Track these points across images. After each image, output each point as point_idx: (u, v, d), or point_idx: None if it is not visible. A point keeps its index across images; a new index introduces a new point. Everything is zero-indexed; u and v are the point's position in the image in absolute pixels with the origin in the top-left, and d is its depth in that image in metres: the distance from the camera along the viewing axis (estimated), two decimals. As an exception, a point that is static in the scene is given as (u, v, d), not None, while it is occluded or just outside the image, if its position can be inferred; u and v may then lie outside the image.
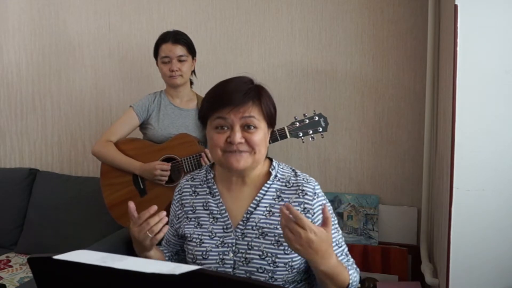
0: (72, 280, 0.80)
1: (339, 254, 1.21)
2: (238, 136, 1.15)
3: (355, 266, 1.24)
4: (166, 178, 1.96)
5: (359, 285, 2.14)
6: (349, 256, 1.25)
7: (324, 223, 1.04)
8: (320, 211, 1.20)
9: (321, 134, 1.85)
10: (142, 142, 2.09)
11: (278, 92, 2.31)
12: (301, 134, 1.83)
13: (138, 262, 0.76)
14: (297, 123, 1.84)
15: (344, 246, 1.24)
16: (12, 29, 2.84)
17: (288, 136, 1.83)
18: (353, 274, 1.17)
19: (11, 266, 2.37)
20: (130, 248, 2.13)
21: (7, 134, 2.91)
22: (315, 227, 1.00)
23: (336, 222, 1.24)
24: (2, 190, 2.64)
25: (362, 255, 2.26)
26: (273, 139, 1.30)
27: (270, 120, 1.23)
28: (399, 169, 2.32)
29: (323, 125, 1.84)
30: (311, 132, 1.83)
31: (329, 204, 1.25)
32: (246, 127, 1.17)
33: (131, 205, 1.13)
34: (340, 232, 1.25)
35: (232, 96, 1.16)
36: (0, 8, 2.84)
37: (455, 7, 1.42)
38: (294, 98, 2.41)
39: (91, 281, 0.79)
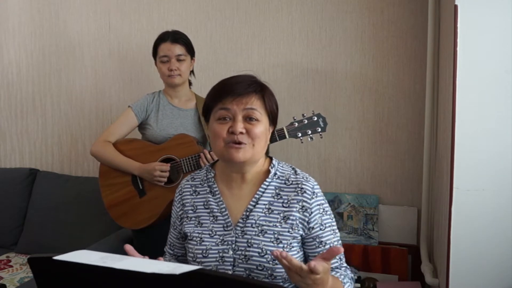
0: (72, 280, 0.80)
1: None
2: (239, 126, 1.16)
3: (348, 271, 1.23)
4: (165, 179, 1.96)
5: (358, 285, 2.15)
6: (343, 260, 1.24)
7: (326, 258, 1.00)
8: (317, 211, 1.20)
9: (320, 135, 1.84)
10: (140, 142, 2.08)
11: (278, 92, 2.28)
12: (299, 135, 1.83)
13: (138, 262, 0.76)
14: (296, 124, 1.83)
15: None
16: (12, 29, 2.84)
17: (287, 136, 1.83)
18: (347, 284, 1.18)
19: (11, 266, 2.37)
20: (130, 248, 2.14)
21: (7, 134, 2.91)
22: (321, 266, 0.97)
23: (334, 223, 1.24)
24: (2, 190, 2.64)
25: (362, 255, 2.26)
26: (272, 139, 1.30)
27: (272, 116, 1.24)
28: (399, 169, 2.32)
29: (322, 126, 1.84)
30: (309, 132, 1.83)
31: (328, 206, 1.25)
32: (248, 119, 1.18)
33: (128, 247, 1.11)
34: (338, 234, 1.25)
35: (235, 86, 1.18)
36: (0, 8, 2.84)
37: (455, 7, 1.43)
38: (294, 98, 2.41)
39: (91, 281, 0.79)
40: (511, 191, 1.42)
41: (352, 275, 1.24)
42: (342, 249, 0.99)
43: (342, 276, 1.18)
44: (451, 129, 1.46)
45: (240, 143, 1.16)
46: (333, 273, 1.19)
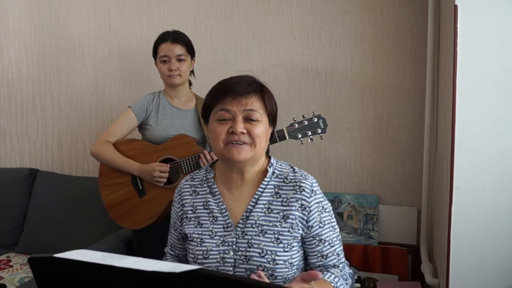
0: (72, 280, 0.80)
1: (330, 254, 1.22)
2: (240, 126, 1.16)
3: (346, 268, 1.24)
4: (165, 180, 1.95)
5: (358, 285, 2.15)
6: (341, 256, 1.25)
7: (305, 280, 1.05)
8: (316, 209, 1.20)
9: (320, 136, 1.84)
10: (140, 142, 2.08)
11: (278, 92, 2.29)
12: (300, 136, 1.82)
13: (138, 261, 0.76)
14: (296, 125, 1.83)
15: (337, 245, 1.24)
16: (12, 29, 2.84)
17: (287, 137, 1.82)
18: (341, 287, 1.18)
19: (11, 266, 2.37)
20: (130, 248, 2.14)
21: (7, 134, 2.91)
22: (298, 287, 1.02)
23: (333, 219, 1.25)
24: (2, 190, 2.64)
25: (362, 255, 2.26)
26: (272, 140, 1.30)
27: (272, 116, 1.24)
28: (399, 169, 2.32)
29: (322, 127, 1.83)
30: (310, 133, 1.83)
31: (328, 203, 1.25)
32: (248, 119, 1.18)
33: None
34: (337, 230, 1.25)
35: (235, 86, 1.18)
36: (0, 8, 2.84)
37: (455, 7, 1.43)
38: (294, 98, 2.41)
39: (92, 281, 0.78)
40: (511, 191, 1.42)
41: (351, 271, 1.24)
42: (320, 275, 1.02)
43: (337, 279, 1.19)
44: (451, 129, 1.46)
45: (241, 142, 1.17)
46: (328, 274, 1.19)
